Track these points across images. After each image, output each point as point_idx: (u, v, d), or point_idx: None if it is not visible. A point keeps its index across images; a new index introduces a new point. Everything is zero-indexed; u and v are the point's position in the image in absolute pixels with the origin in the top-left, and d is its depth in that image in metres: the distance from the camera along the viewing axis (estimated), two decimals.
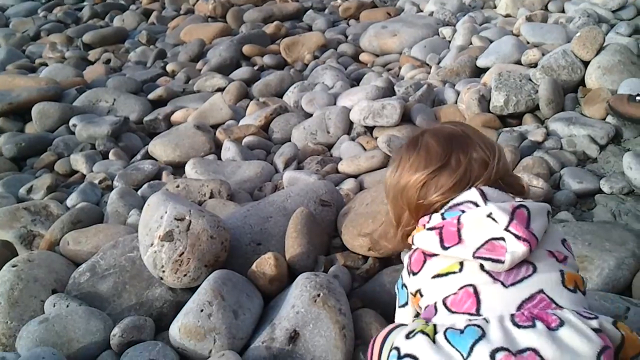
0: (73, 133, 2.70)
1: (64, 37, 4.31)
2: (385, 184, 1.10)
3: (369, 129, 2.39)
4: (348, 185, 1.99)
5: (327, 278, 1.33)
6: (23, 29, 4.67)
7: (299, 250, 1.47)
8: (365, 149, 2.25)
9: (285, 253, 1.49)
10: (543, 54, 2.63)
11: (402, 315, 1.05)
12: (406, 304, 1.03)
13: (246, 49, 3.54)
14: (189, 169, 2.19)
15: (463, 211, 0.92)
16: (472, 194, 0.94)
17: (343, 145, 2.31)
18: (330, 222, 1.67)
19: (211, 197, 1.91)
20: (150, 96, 3.06)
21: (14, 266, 1.52)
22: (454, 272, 0.89)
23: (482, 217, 0.90)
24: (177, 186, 1.95)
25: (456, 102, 2.53)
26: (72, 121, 2.76)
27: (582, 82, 2.43)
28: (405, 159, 1.04)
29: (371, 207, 1.59)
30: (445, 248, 0.90)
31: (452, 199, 0.96)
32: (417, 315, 1.00)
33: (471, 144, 1.00)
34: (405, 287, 1.01)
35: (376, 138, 2.27)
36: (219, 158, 2.37)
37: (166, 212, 1.44)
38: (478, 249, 0.87)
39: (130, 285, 1.47)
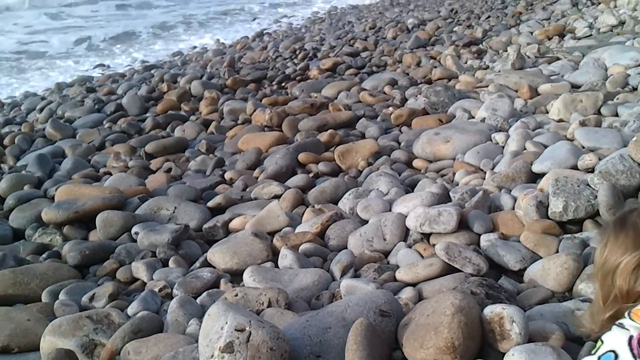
0: (135, 241, 2.78)
1: (127, 147, 4.51)
2: (594, 262, 1.06)
3: (426, 236, 2.38)
4: (407, 294, 1.97)
5: None
6: (89, 140, 4.91)
7: None
8: (422, 257, 2.24)
9: None
10: (599, 159, 2.62)
11: None
12: None
13: (302, 156, 3.65)
14: (246, 277, 2.21)
15: None
16: None
17: (400, 253, 2.30)
18: (390, 334, 1.64)
19: (269, 306, 1.91)
20: (210, 204, 3.14)
21: None
22: None
23: None
24: (236, 295, 1.97)
25: (513, 209, 2.52)
26: (134, 229, 2.85)
27: None
28: (613, 239, 1.01)
29: (432, 318, 1.57)
30: None
31: None
32: None
33: None
34: None
35: (433, 245, 2.26)
36: (276, 265, 2.39)
37: (226, 323, 1.45)
38: None
39: None
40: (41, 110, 6.23)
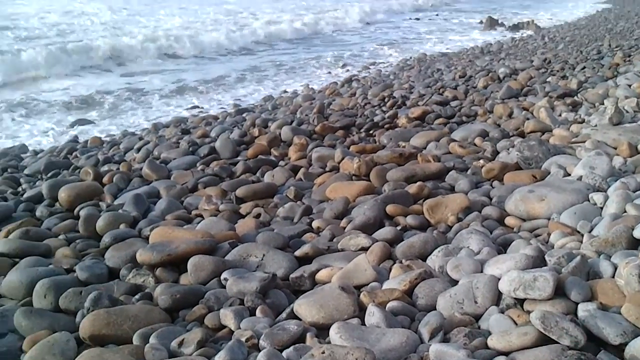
0: (224, 287, 2.82)
1: (219, 190, 4.63)
2: None
3: (520, 301, 2.30)
4: None
5: None
6: (183, 181, 5.07)
7: None
8: (516, 324, 2.16)
9: None
10: None
11: None
12: None
13: (390, 208, 3.62)
14: (333, 333, 2.19)
15: None
16: None
17: (492, 318, 2.23)
18: None
19: None
20: (297, 253, 3.16)
21: None
22: None
23: None
24: (323, 352, 1.96)
25: (613, 277, 2.39)
26: (223, 275, 2.90)
27: None
28: None
29: None
30: None
31: None
32: None
33: None
34: None
35: (528, 312, 2.17)
36: (363, 322, 2.36)
37: None
38: None
39: None
40: (138, 150, 6.52)
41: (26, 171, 6.26)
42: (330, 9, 28.17)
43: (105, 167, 5.82)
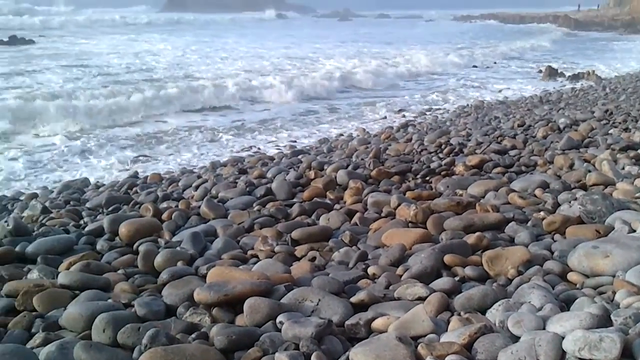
0: (279, 330, 2.81)
1: (274, 232, 4.66)
2: None
3: None
4: None
5: None
6: (239, 221, 5.13)
7: None
8: None
9: None
10: None
11: None
12: None
13: (447, 258, 3.57)
14: None
15: None
16: None
17: None
18: None
19: None
20: (353, 299, 3.13)
21: None
22: None
23: None
24: None
25: None
26: (279, 318, 2.90)
27: None
28: None
29: None
30: None
31: None
32: None
33: None
34: None
35: None
36: None
37: None
38: None
39: None
40: (196, 188, 6.65)
41: (88, 204, 6.45)
42: (390, 57, 28.50)
43: (164, 204, 5.94)
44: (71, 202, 6.69)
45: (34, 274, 3.95)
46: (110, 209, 6.04)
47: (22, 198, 7.38)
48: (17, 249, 4.45)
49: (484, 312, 2.88)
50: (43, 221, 5.63)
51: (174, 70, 22.19)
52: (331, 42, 37.62)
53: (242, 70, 22.48)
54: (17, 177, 9.12)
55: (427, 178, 6.19)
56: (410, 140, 8.93)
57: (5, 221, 5.16)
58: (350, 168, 6.58)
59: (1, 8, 62.87)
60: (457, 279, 3.39)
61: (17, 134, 11.82)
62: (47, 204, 6.42)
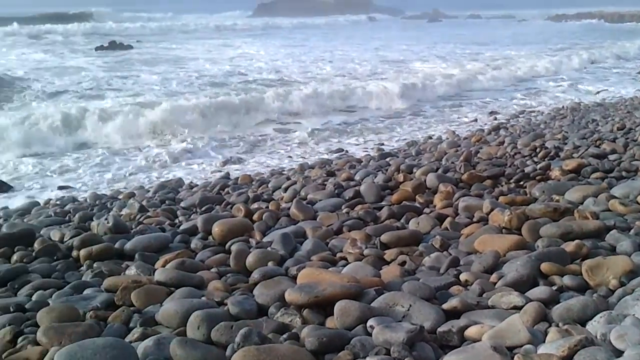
0: (370, 334, 2.80)
1: (363, 234, 4.64)
2: None
3: None
4: None
5: None
6: (328, 223, 5.14)
7: None
8: None
9: None
10: None
11: None
12: None
13: (544, 266, 3.44)
14: None
15: None
16: None
17: None
18: None
19: None
20: (445, 306, 3.07)
21: None
22: None
23: None
24: None
25: None
26: (369, 322, 2.88)
27: None
28: None
29: None
30: None
31: None
32: None
33: None
34: None
35: None
36: None
37: None
38: None
39: None
40: (286, 189, 6.73)
41: (182, 204, 6.67)
42: (485, 59, 27.92)
43: (255, 205, 6.04)
44: (166, 202, 6.93)
45: (131, 270, 4.12)
46: (203, 208, 6.22)
47: (120, 197, 7.72)
48: (116, 245, 4.67)
49: (583, 324, 2.75)
50: (140, 219, 5.87)
51: (269, 74, 22.57)
52: (422, 44, 37.19)
53: (336, 73, 22.58)
54: (117, 178, 9.57)
55: (521, 183, 5.99)
56: (503, 143, 8.69)
57: (106, 219, 5.41)
58: (440, 171, 6.47)
59: (102, 15, 66.22)
60: (554, 288, 3.25)
61: (120, 137, 12.32)
62: (144, 202, 6.68)
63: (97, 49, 32.86)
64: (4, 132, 11.80)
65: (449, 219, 4.90)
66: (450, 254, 4.05)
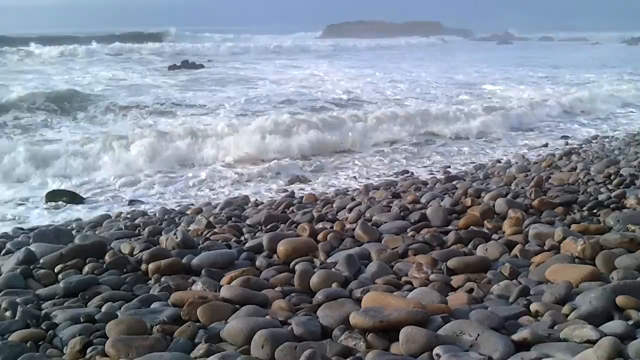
0: None
1: (429, 259, 4.56)
2: None
3: None
4: None
5: None
6: (393, 246, 5.09)
7: None
8: None
9: None
10: None
11: None
12: None
13: (620, 299, 3.28)
14: None
15: None
16: None
17: None
18: None
19: None
20: (514, 337, 2.96)
21: None
22: None
23: None
24: None
25: None
26: (435, 350, 2.82)
27: None
28: None
29: None
30: None
31: None
32: None
33: None
34: None
35: None
36: None
37: None
38: None
39: None
40: (350, 210, 6.72)
41: (248, 221, 6.74)
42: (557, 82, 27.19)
43: (320, 225, 6.05)
44: (233, 219, 7.01)
45: (198, 286, 4.18)
46: (268, 226, 6.26)
47: (188, 212, 7.88)
48: (183, 260, 4.75)
49: None
50: (207, 235, 5.96)
51: (340, 95, 22.39)
52: (492, 67, 36.63)
53: (412, 96, 22.36)
54: (186, 194, 9.78)
55: (595, 211, 5.76)
56: (575, 169, 8.43)
57: (174, 234, 5.51)
58: (509, 196, 6.31)
59: (180, 36, 68.46)
60: (630, 322, 3.10)
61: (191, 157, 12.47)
62: (211, 219, 6.79)
63: (170, 68, 33.86)
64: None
65: (518, 246, 4.76)
66: (520, 283, 3.94)
